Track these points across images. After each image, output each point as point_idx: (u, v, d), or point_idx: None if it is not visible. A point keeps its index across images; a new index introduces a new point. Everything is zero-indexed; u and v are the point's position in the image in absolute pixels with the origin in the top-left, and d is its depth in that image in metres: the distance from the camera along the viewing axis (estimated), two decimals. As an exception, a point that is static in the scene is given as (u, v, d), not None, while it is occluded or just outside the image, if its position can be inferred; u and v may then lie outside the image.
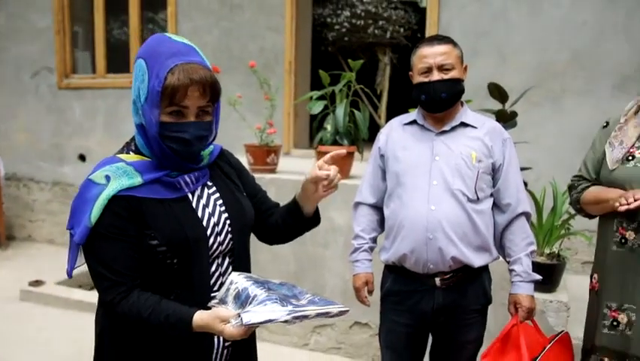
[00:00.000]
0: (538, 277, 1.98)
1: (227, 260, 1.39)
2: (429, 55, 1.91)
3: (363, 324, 3.29)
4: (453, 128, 1.97)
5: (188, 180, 1.34)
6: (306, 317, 1.17)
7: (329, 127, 3.31)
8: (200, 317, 1.21)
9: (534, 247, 2.02)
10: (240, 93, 3.67)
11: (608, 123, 1.97)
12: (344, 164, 3.36)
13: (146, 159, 1.32)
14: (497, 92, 3.03)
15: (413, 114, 2.06)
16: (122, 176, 1.27)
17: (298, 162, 4.14)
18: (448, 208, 1.90)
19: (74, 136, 5.53)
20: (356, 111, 3.36)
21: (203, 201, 1.36)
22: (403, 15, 5.73)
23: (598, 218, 1.98)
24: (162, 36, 1.32)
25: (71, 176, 5.55)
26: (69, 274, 1.34)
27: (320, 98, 3.38)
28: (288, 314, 1.14)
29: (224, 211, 1.38)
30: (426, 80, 1.92)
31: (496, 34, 3.89)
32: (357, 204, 2.17)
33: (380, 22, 5.63)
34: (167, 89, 1.22)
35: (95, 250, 1.25)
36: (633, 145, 1.83)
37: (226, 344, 1.40)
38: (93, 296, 2.38)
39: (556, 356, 1.94)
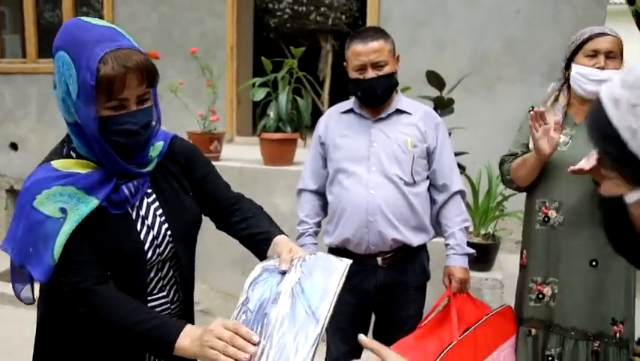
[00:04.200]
0: (471, 250, 2.09)
1: (167, 265, 1.36)
2: (362, 53, 1.96)
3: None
4: (388, 116, 2.05)
5: (127, 193, 1.25)
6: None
7: (272, 114, 3.32)
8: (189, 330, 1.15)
9: (469, 224, 2.13)
10: (181, 79, 3.62)
11: (533, 107, 2.09)
12: (287, 150, 3.39)
13: (87, 163, 1.22)
14: (435, 79, 3.13)
15: (350, 102, 2.13)
16: (78, 204, 1.18)
17: (242, 149, 4.14)
18: (386, 192, 1.98)
19: (4, 123, 5.28)
20: (299, 98, 3.39)
21: (142, 213, 1.29)
22: (345, 2, 5.78)
23: (525, 198, 2.10)
24: (78, 21, 1.19)
25: (1, 165, 5.30)
26: (19, 296, 1.28)
27: (263, 84, 3.38)
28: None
29: (164, 222, 1.32)
30: (361, 77, 1.99)
31: (434, 22, 4.00)
32: (300, 191, 2.22)
33: (322, 9, 5.66)
34: (103, 81, 1.10)
35: (61, 272, 1.18)
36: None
37: None
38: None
39: (496, 327, 2.00)
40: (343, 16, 5.79)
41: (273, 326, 1.09)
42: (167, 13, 4.65)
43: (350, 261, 1.19)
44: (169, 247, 1.33)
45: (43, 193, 1.16)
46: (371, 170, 2.00)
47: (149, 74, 1.18)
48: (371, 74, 1.97)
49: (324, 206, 2.19)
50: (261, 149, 3.41)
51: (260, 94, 3.30)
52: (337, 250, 2.09)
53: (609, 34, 1.90)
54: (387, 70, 1.98)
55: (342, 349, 2.15)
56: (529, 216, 2.05)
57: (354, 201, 2.00)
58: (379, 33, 2.01)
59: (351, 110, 2.10)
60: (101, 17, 4.87)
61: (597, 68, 1.87)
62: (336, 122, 2.12)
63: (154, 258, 1.30)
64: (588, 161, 1.76)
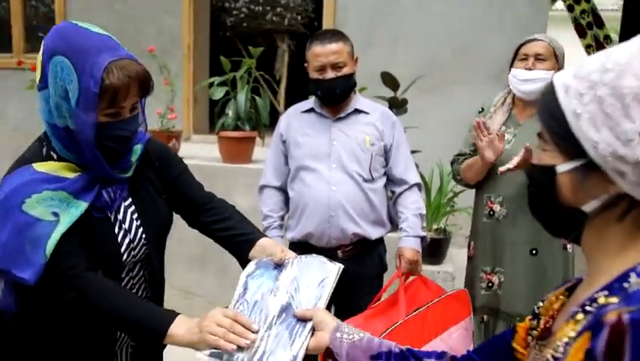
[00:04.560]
0: (423, 233, 2.17)
1: (138, 265, 1.40)
2: (322, 54, 2.06)
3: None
4: (348, 115, 2.16)
5: (107, 198, 1.28)
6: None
7: (231, 113, 3.36)
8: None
9: (423, 211, 2.21)
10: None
11: (482, 109, 2.26)
12: (246, 149, 3.44)
13: (70, 165, 1.24)
14: (390, 80, 3.25)
15: (310, 102, 2.22)
16: (68, 208, 1.20)
17: (199, 147, 4.15)
18: (347, 188, 2.09)
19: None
20: (257, 97, 3.44)
21: (120, 217, 1.33)
22: (301, 3, 5.85)
23: (474, 194, 2.24)
24: (74, 26, 1.20)
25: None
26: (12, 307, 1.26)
27: (221, 84, 3.41)
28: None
29: (140, 225, 1.36)
30: (321, 77, 2.08)
31: (389, 25, 4.13)
32: (262, 187, 2.29)
33: (278, 9, 5.70)
34: (108, 90, 1.14)
35: (52, 264, 1.19)
36: (499, 130, 2.10)
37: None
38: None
39: (449, 310, 1.99)
40: (299, 17, 5.86)
41: (273, 316, 1.16)
42: (122, 10, 4.60)
43: (342, 266, 1.27)
44: (143, 249, 1.37)
45: (33, 197, 1.17)
46: (332, 167, 2.10)
47: (146, 85, 1.23)
48: (330, 74, 2.06)
49: (286, 202, 2.26)
50: (219, 147, 3.45)
51: (219, 93, 3.34)
52: (299, 244, 2.17)
53: (538, 40, 2.09)
54: (345, 71, 2.08)
55: None
56: (477, 210, 2.21)
57: (316, 197, 2.09)
58: (338, 35, 2.11)
59: (311, 110, 2.19)
60: (52, 10, 4.78)
61: (526, 69, 2.05)
62: (298, 120, 2.20)
63: (128, 260, 1.34)
64: (512, 161, 1.92)
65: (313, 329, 1.13)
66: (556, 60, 2.08)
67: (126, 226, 1.33)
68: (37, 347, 1.30)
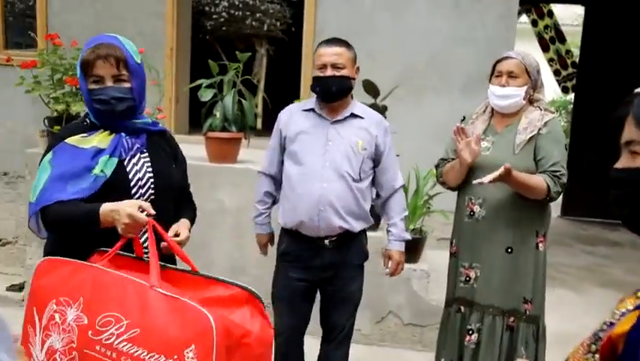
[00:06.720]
0: (408, 236, 2.48)
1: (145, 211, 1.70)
2: (324, 54, 2.26)
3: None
4: (345, 119, 2.33)
5: (126, 145, 1.75)
6: None
7: (218, 114, 3.47)
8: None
9: (406, 213, 2.49)
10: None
11: (464, 118, 2.46)
12: (232, 149, 3.56)
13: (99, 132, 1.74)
14: (371, 88, 3.43)
15: (311, 102, 2.39)
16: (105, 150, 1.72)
17: (181, 146, 4.22)
18: (337, 186, 2.27)
19: None
20: (244, 100, 3.56)
21: (134, 161, 1.78)
22: (279, 9, 6.00)
23: (456, 195, 2.44)
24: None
25: None
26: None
27: (209, 86, 3.53)
28: None
29: (150, 172, 1.78)
30: (321, 74, 2.27)
31: (365, 35, 4.31)
32: (260, 174, 2.51)
33: (257, 15, 5.84)
34: (83, 63, 1.70)
35: None
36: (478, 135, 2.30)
37: None
38: None
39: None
40: (278, 23, 6.01)
41: None
42: (103, 10, 4.64)
43: None
44: (149, 192, 1.77)
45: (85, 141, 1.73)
46: (325, 165, 2.27)
47: (116, 60, 1.68)
48: (329, 72, 2.25)
49: (277, 189, 2.47)
50: (206, 146, 3.55)
51: (208, 94, 3.45)
52: (290, 232, 2.38)
53: (511, 58, 2.29)
54: (344, 72, 2.26)
55: (292, 319, 2.41)
56: (459, 211, 2.41)
57: (307, 192, 2.27)
58: (343, 42, 2.32)
59: (312, 110, 2.36)
60: (33, 8, 4.78)
61: (500, 86, 2.25)
62: (298, 118, 2.38)
63: (136, 197, 1.73)
64: (489, 176, 2.12)
65: None
66: (529, 76, 2.29)
67: (137, 167, 1.77)
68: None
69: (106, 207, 1.61)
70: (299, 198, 2.29)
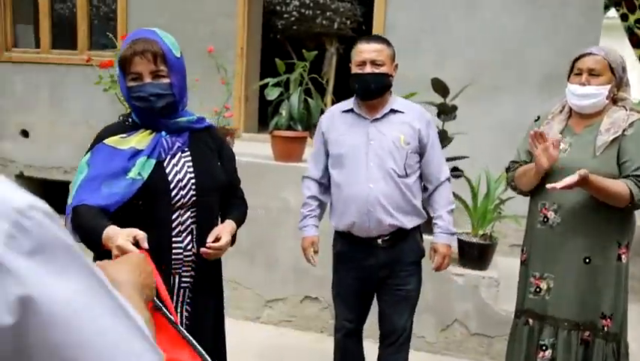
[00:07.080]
0: (454, 230, 2.41)
1: (188, 213, 1.69)
2: (364, 51, 2.23)
3: (313, 298, 3.51)
4: (384, 116, 2.28)
5: (166, 145, 1.69)
6: None
7: (284, 113, 3.48)
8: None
9: (453, 206, 2.39)
10: (191, 77, 3.75)
11: (539, 117, 2.31)
12: (297, 148, 3.55)
13: (141, 132, 1.69)
14: (440, 86, 3.29)
15: (350, 103, 2.36)
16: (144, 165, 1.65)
17: (249, 144, 4.28)
18: (383, 185, 2.23)
19: (16, 111, 5.37)
20: (309, 99, 3.55)
21: (174, 161, 1.70)
22: (350, 8, 5.95)
23: (529, 201, 2.29)
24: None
25: (12, 152, 5.38)
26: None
27: (275, 84, 3.54)
28: None
29: (191, 172, 1.71)
30: (360, 71, 2.23)
31: (437, 32, 4.18)
32: (305, 178, 2.50)
33: (328, 14, 5.83)
34: (121, 60, 1.63)
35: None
36: (556, 138, 2.14)
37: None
38: None
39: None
40: (348, 21, 5.97)
41: None
42: (177, 11, 4.78)
43: None
44: (190, 194, 1.68)
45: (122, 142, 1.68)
46: (369, 165, 2.24)
47: (154, 56, 1.61)
48: (369, 69, 2.21)
49: (324, 192, 2.45)
50: (272, 145, 3.57)
51: (274, 93, 3.46)
52: (342, 234, 2.37)
53: (593, 54, 2.10)
54: (383, 70, 2.22)
55: (349, 316, 2.43)
56: (531, 216, 2.25)
57: (355, 193, 2.25)
58: (382, 39, 2.29)
59: (351, 110, 2.33)
60: (116, 11, 5.00)
61: (580, 84, 2.08)
62: (338, 119, 2.36)
63: (177, 199, 1.66)
64: (560, 183, 1.96)
65: None
66: (613, 73, 2.10)
67: (178, 168, 1.70)
68: None
69: (108, 231, 1.49)
70: (347, 200, 2.27)
